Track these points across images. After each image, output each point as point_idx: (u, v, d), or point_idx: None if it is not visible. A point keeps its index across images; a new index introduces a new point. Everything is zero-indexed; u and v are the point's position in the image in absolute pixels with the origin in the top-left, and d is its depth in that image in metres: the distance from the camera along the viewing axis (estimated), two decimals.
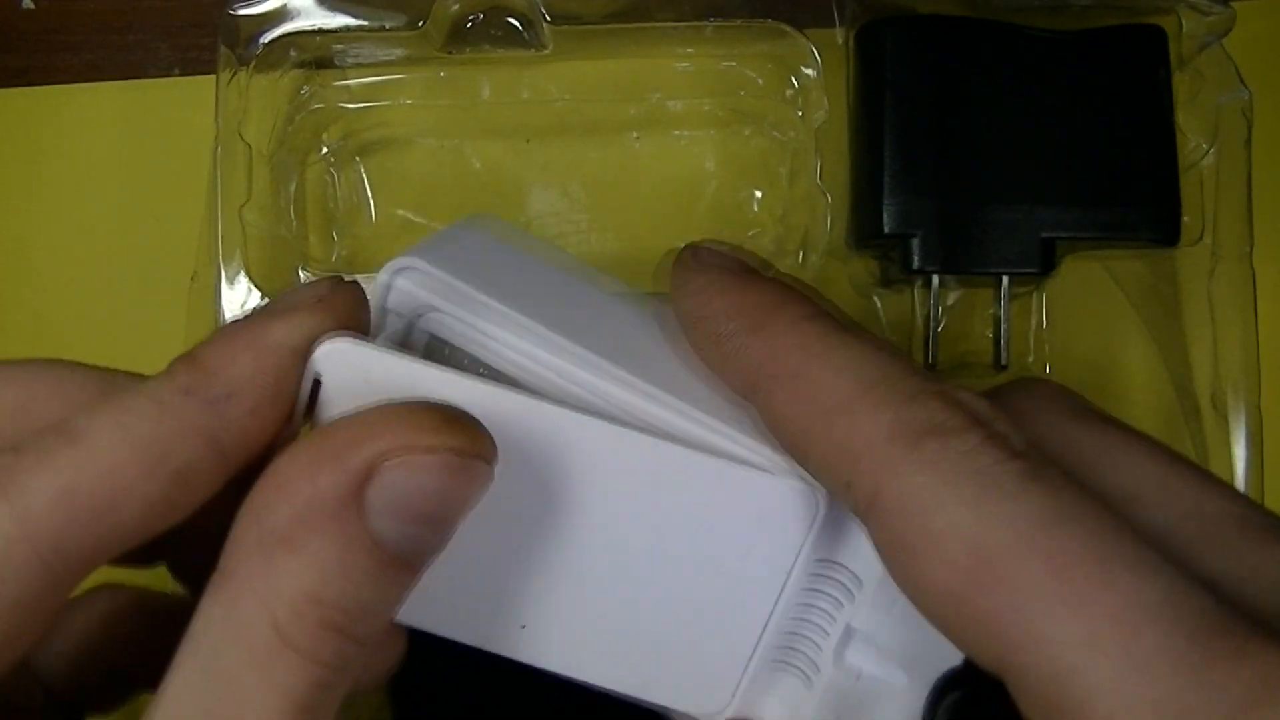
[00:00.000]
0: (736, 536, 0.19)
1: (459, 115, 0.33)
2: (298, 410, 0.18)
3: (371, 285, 0.20)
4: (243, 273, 0.30)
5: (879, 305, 0.33)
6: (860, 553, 0.19)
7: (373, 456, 0.16)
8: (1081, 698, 0.14)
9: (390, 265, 0.20)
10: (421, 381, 0.18)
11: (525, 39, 0.32)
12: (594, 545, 0.19)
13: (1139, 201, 0.30)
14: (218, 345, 0.18)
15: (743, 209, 0.33)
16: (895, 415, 0.17)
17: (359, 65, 0.33)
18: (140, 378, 0.18)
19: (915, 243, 0.30)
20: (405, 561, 0.17)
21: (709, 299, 0.20)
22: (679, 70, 0.33)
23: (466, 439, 0.17)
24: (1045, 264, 0.30)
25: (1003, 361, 0.31)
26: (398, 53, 0.32)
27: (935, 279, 0.30)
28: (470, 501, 0.17)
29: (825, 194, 0.31)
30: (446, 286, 0.19)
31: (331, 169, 0.33)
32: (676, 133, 0.34)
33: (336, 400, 0.18)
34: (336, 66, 0.33)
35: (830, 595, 0.20)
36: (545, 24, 0.31)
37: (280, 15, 0.31)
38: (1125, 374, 0.33)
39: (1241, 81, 0.30)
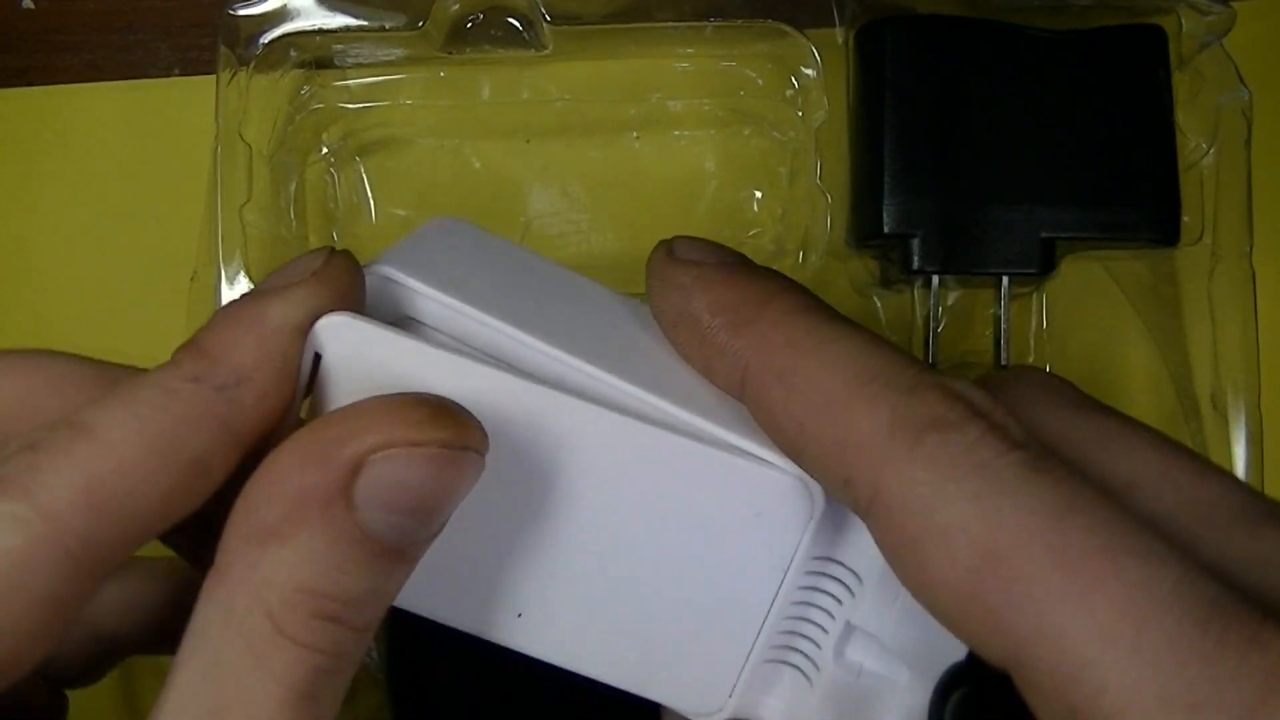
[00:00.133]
0: (733, 530, 0.19)
1: (459, 115, 0.33)
2: (299, 386, 0.18)
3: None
4: (243, 273, 0.30)
5: (879, 305, 0.33)
6: (859, 549, 0.19)
7: (361, 450, 0.16)
8: (1092, 691, 0.14)
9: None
10: (421, 360, 0.18)
11: (525, 39, 0.32)
12: (589, 533, 0.19)
13: (1139, 201, 0.30)
14: (220, 330, 0.18)
15: (743, 209, 0.33)
16: (893, 409, 0.16)
17: (359, 65, 0.33)
18: (138, 371, 0.18)
19: (915, 243, 0.30)
20: (398, 552, 0.17)
21: (690, 296, 0.19)
22: (679, 70, 0.33)
23: (454, 431, 0.17)
24: (1045, 264, 0.30)
25: (1003, 361, 0.31)
26: (398, 53, 0.32)
27: (935, 279, 0.30)
28: (460, 492, 0.17)
29: (825, 194, 0.31)
30: (420, 295, 0.19)
31: (331, 169, 0.33)
32: (676, 133, 0.34)
33: (336, 376, 0.18)
34: (336, 66, 0.33)
35: (829, 593, 0.20)
36: (545, 24, 0.31)
37: (280, 15, 0.31)
38: (1125, 374, 0.33)
39: (1241, 81, 0.30)
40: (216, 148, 0.30)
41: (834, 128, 0.31)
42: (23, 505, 0.15)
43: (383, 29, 0.31)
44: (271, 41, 0.31)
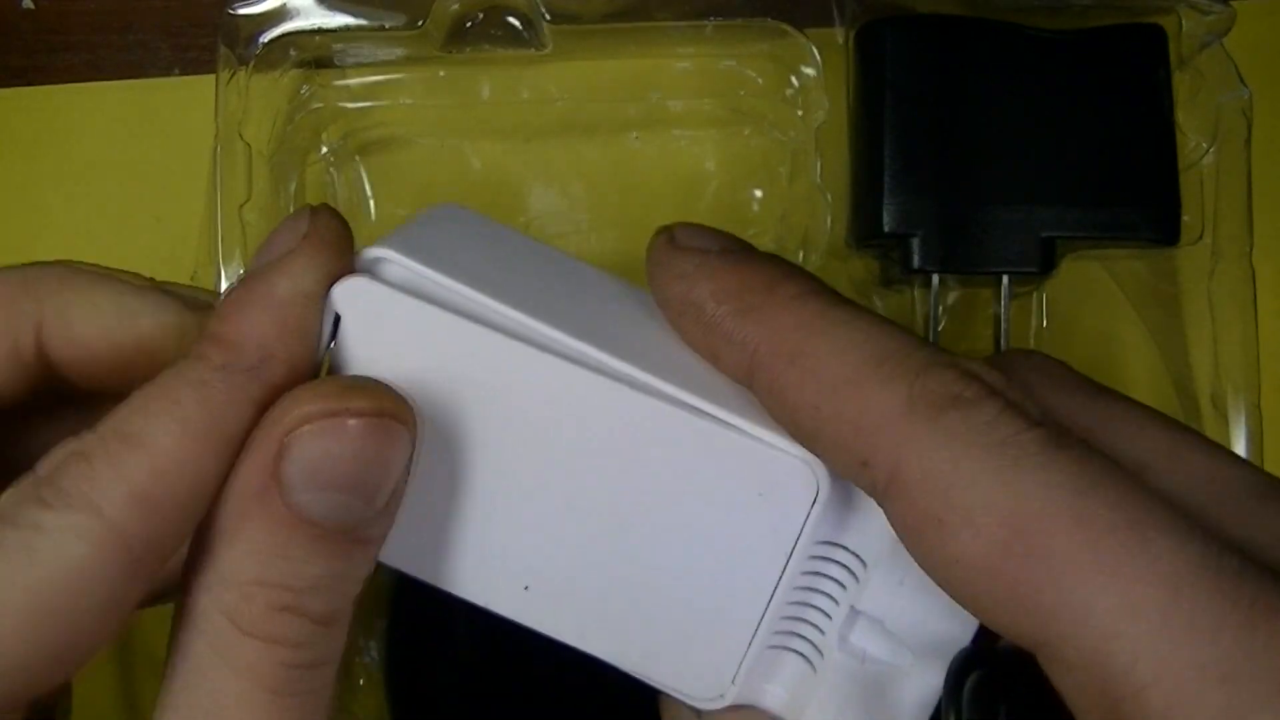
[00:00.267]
0: (737, 511, 0.19)
1: (459, 115, 0.33)
2: (320, 347, 0.18)
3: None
4: (242, 272, 0.30)
5: (879, 305, 0.33)
6: (864, 533, 0.19)
7: (280, 432, 0.17)
8: (1124, 665, 0.14)
9: (361, 257, 0.19)
10: (437, 324, 0.18)
11: (525, 39, 0.32)
12: (598, 508, 0.19)
13: (1139, 201, 0.30)
14: (234, 315, 0.18)
15: (743, 209, 0.33)
16: (910, 388, 0.16)
17: (359, 65, 0.33)
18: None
19: (915, 242, 0.30)
20: (345, 532, 0.17)
21: (694, 283, 0.19)
22: (679, 70, 0.33)
23: (367, 401, 0.17)
24: (1045, 264, 0.30)
25: None
26: (398, 52, 0.32)
27: (935, 279, 0.30)
28: (389, 462, 0.17)
29: (825, 194, 0.31)
30: (423, 279, 0.19)
31: (331, 169, 0.33)
32: (676, 133, 0.34)
33: (356, 337, 0.19)
34: (336, 66, 0.33)
35: (833, 578, 0.20)
36: (545, 24, 0.31)
37: (280, 15, 0.31)
38: (1125, 374, 0.33)
39: (1241, 81, 0.30)
40: (216, 148, 0.30)
41: (834, 128, 0.31)
42: (86, 516, 0.16)
43: (382, 29, 0.31)
44: (271, 41, 0.31)
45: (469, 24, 0.32)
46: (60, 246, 0.34)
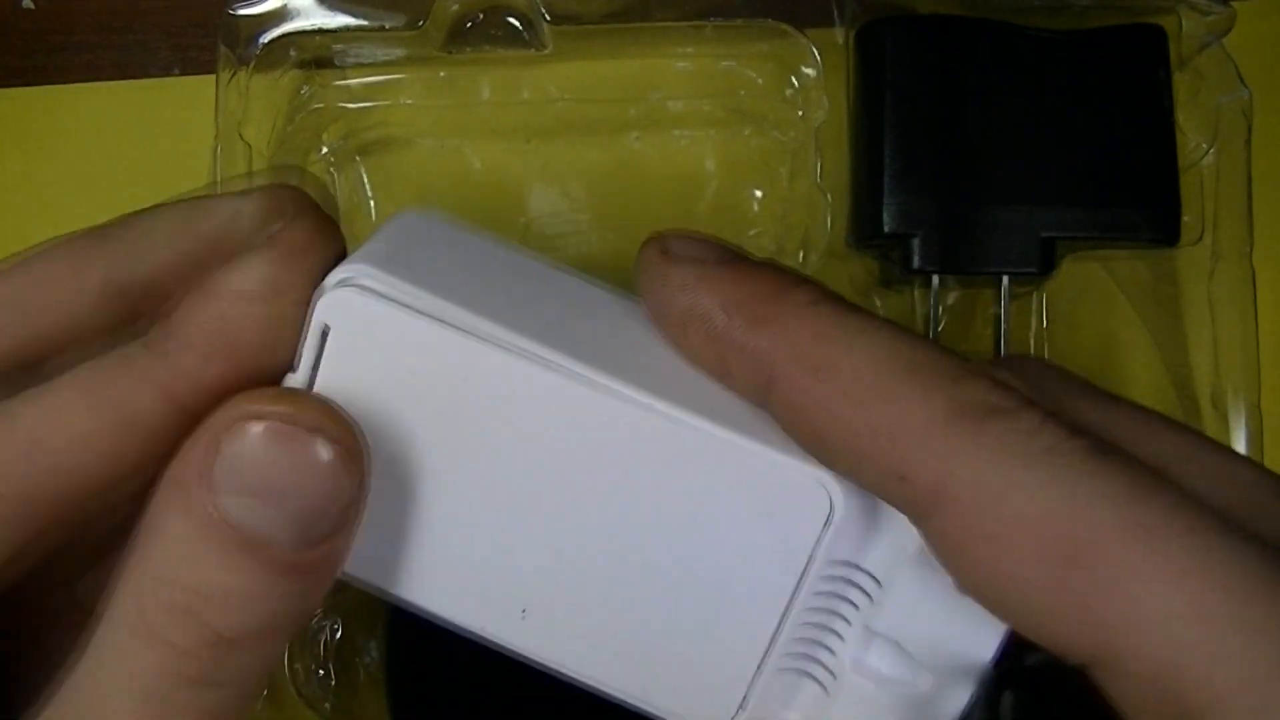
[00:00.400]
0: (746, 530, 0.18)
1: (459, 115, 0.33)
2: (303, 360, 0.18)
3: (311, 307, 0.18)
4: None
5: (879, 305, 0.33)
6: (879, 550, 0.18)
7: (215, 426, 0.16)
8: (1199, 673, 0.14)
9: (329, 279, 0.18)
10: (429, 338, 0.18)
11: (525, 39, 0.32)
12: (598, 527, 0.18)
13: (1139, 201, 0.30)
14: (185, 299, 0.18)
15: (743, 209, 0.33)
16: (948, 398, 0.15)
17: (359, 65, 0.33)
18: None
19: (915, 243, 0.30)
20: (265, 549, 0.16)
21: (698, 295, 0.18)
22: (679, 70, 0.33)
23: (296, 408, 0.16)
24: (1045, 264, 0.30)
25: None
26: (398, 53, 0.32)
27: (935, 279, 0.30)
28: (310, 485, 0.16)
29: (825, 194, 0.31)
30: (403, 296, 0.18)
31: (331, 169, 0.33)
32: (676, 133, 0.34)
33: (343, 349, 0.18)
34: (336, 66, 0.33)
35: (846, 598, 0.19)
36: (545, 24, 0.31)
37: (280, 15, 0.31)
38: (1125, 374, 0.33)
39: (1241, 81, 0.30)
40: (216, 148, 0.30)
41: (834, 128, 0.31)
42: None
43: (383, 29, 0.31)
44: (271, 41, 0.31)
45: (469, 24, 0.32)
46: None
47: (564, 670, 0.19)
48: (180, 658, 0.16)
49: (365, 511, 0.18)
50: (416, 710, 0.30)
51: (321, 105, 0.33)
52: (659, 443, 0.18)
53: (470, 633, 0.19)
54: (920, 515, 0.16)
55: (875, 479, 0.16)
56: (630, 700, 0.19)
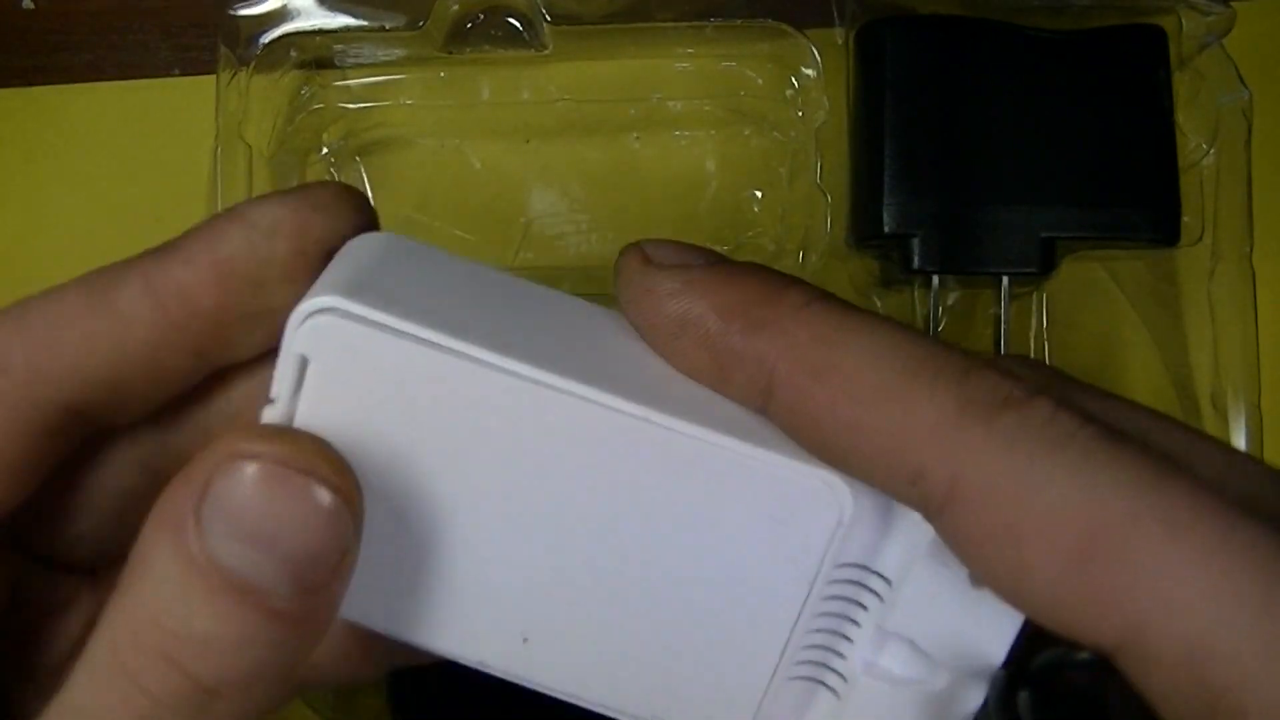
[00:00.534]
0: (752, 539, 0.18)
1: (459, 115, 0.33)
2: (281, 392, 0.17)
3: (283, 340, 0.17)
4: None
5: (879, 305, 0.33)
6: (890, 550, 0.18)
7: (211, 466, 0.15)
8: (1228, 652, 0.13)
9: (300, 309, 0.17)
10: (418, 362, 0.17)
11: (525, 39, 0.32)
12: (599, 545, 0.18)
13: (1139, 201, 0.30)
14: (205, 220, 0.19)
15: (743, 209, 0.33)
16: (958, 393, 0.15)
17: (359, 65, 0.33)
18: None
19: (915, 243, 0.30)
20: (249, 594, 0.15)
21: (688, 301, 0.17)
22: (679, 70, 0.33)
23: (290, 449, 0.16)
24: (1045, 264, 0.30)
25: None
26: (398, 53, 0.32)
27: (935, 279, 0.30)
28: (304, 530, 0.16)
29: (825, 194, 0.31)
30: (385, 320, 0.17)
31: (332, 169, 0.33)
32: (676, 133, 0.34)
33: (324, 380, 0.17)
34: (336, 66, 0.33)
35: (856, 601, 0.18)
36: (545, 24, 0.31)
37: (280, 15, 0.31)
38: (1125, 374, 0.33)
39: (1241, 81, 0.30)
40: (216, 148, 0.30)
41: (834, 128, 0.31)
42: None
43: (383, 29, 0.31)
44: (271, 41, 0.31)
45: (469, 24, 0.32)
46: (60, 246, 0.34)
47: (572, 697, 0.19)
48: (154, 706, 0.15)
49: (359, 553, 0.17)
50: (416, 710, 0.30)
51: (321, 105, 0.33)
52: (659, 455, 0.17)
53: (472, 665, 0.19)
54: (935, 512, 0.16)
55: (886, 479, 0.16)
56: None
